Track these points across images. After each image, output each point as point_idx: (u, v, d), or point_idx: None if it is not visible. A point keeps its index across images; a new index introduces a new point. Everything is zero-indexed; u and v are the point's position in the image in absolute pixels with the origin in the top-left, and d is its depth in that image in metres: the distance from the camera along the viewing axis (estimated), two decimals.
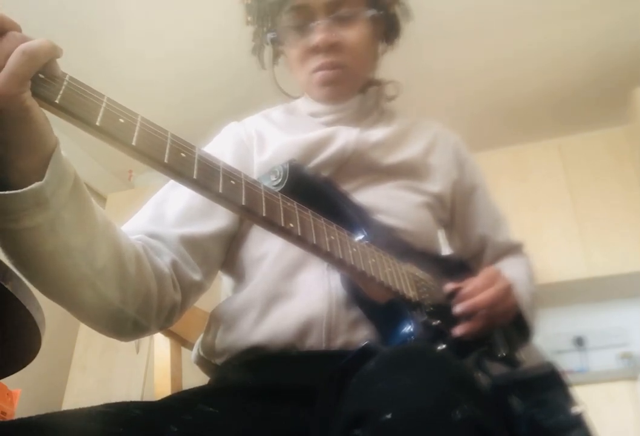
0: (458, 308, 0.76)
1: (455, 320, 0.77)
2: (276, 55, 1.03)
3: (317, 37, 0.89)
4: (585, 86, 2.96)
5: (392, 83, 1.02)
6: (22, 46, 0.47)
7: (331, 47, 0.89)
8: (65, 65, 0.52)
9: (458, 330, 0.75)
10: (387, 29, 1.00)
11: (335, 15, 0.90)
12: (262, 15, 0.96)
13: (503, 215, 1.04)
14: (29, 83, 0.48)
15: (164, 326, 0.77)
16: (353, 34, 0.91)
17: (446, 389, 0.47)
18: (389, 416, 0.45)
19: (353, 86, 0.96)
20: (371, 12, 0.92)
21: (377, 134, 0.93)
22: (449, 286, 0.80)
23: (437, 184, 0.93)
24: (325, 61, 0.90)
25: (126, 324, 0.69)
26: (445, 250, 0.98)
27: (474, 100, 3.04)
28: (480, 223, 1.00)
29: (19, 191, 0.50)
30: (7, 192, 0.50)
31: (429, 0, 2.34)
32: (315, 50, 0.90)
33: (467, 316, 0.76)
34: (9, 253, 0.56)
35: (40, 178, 0.51)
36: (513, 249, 1.02)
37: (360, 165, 0.89)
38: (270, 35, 0.97)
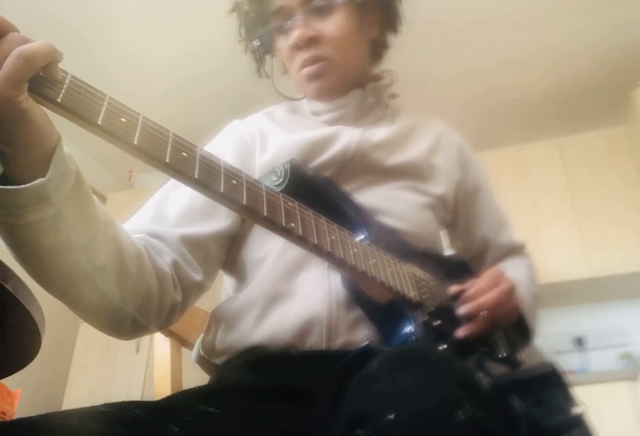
0: (462, 310, 0.76)
1: (456, 320, 0.76)
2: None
3: (293, 35, 0.89)
4: (585, 86, 2.96)
5: (386, 72, 1.00)
6: (19, 49, 0.46)
7: (309, 42, 0.89)
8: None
9: (461, 332, 0.74)
10: (382, 13, 0.97)
11: (309, 7, 0.89)
12: (247, 27, 0.97)
13: (506, 216, 1.04)
14: (25, 86, 0.47)
15: (164, 326, 0.77)
16: (330, 24, 0.90)
17: (448, 389, 0.47)
18: (391, 416, 0.45)
19: (343, 76, 0.93)
20: None
21: (379, 133, 0.92)
22: (453, 288, 0.80)
23: (440, 186, 0.93)
24: (307, 56, 0.90)
25: (125, 322, 0.69)
26: (448, 251, 0.97)
27: (476, 101, 3.04)
28: (483, 224, 1.00)
29: (21, 186, 0.50)
30: (10, 187, 0.50)
31: (430, 1, 2.35)
32: (295, 48, 0.90)
33: (470, 317, 0.76)
34: (11, 247, 0.56)
35: (43, 174, 0.51)
36: (515, 250, 1.02)
37: (363, 165, 0.88)
38: (255, 43, 0.97)
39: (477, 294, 0.77)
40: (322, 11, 0.90)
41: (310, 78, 0.91)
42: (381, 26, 0.99)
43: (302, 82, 0.93)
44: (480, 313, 0.76)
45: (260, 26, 0.95)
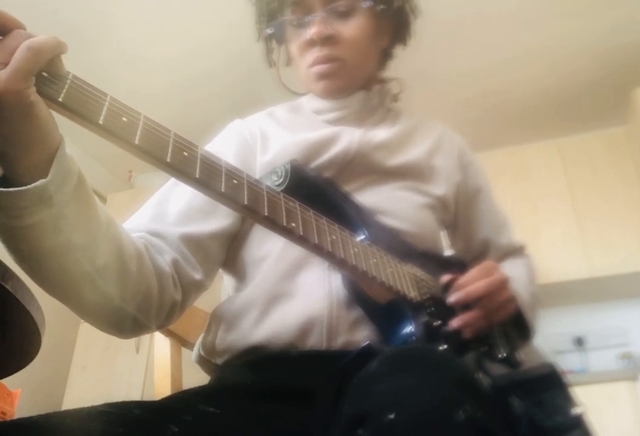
0: (452, 298, 0.76)
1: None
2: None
3: (312, 30, 0.88)
4: (585, 86, 2.96)
5: (395, 80, 1.01)
6: (27, 42, 0.47)
7: (326, 40, 0.89)
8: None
9: (455, 322, 0.74)
10: (396, 25, 0.98)
11: (331, 7, 0.89)
12: (264, 14, 0.96)
13: (506, 217, 1.04)
14: (33, 79, 0.48)
15: (164, 325, 0.77)
16: (350, 27, 0.90)
17: (448, 390, 0.47)
18: (391, 416, 0.45)
19: (351, 80, 0.94)
20: (368, 4, 0.91)
21: (380, 134, 0.92)
22: (445, 278, 0.80)
23: (440, 187, 0.93)
24: (320, 55, 0.89)
25: (126, 321, 0.69)
26: (448, 251, 0.97)
27: (474, 100, 3.04)
28: (484, 226, 1.00)
29: (22, 188, 0.50)
30: (11, 189, 0.50)
31: (430, 1, 2.34)
32: (310, 44, 0.90)
33: (462, 307, 0.76)
34: (11, 249, 0.56)
35: (45, 175, 0.51)
36: (515, 251, 1.02)
37: (364, 166, 0.88)
38: (268, 31, 0.96)
39: (467, 283, 0.77)
40: (344, 13, 0.90)
41: (320, 77, 0.91)
42: (392, 36, 1.00)
43: (311, 79, 0.93)
44: (473, 302, 0.76)
45: (278, 15, 0.94)
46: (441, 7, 2.43)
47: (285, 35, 0.96)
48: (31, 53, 0.47)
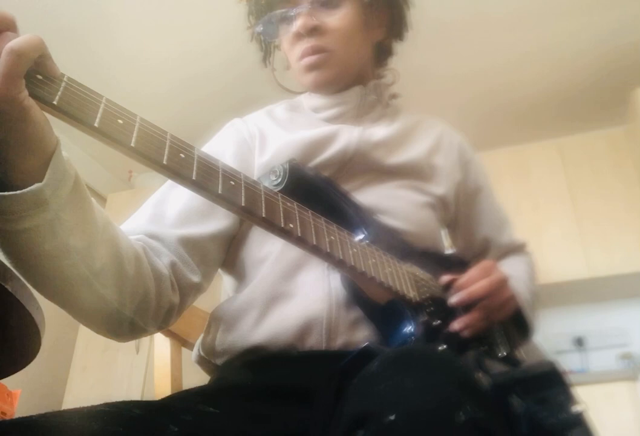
0: (453, 299, 0.76)
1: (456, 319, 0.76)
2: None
3: (297, 22, 0.88)
4: (585, 86, 2.96)
5: (389, 70, 1.00)
6: (10, 44, 0.46)
7: (312, 32, 0.88)
8: (63, 70, 0.51)
9: (456, 324, 0.74)
10: (389, 17, 0.97)
11: None
12: (253, 13, 0.97)
13: (507, 216, 1.04)
14: (23, 83, 0.47)
15: (161, 327, 0.77)
16: (336, 17, 0.90)
17: (449, 390, 0.47)
18: (392, 417, 0.45)
19: (341, 71, 0.93)
20: None
21: (380, 133, 0.92)
22: (445, 278, 0.80)
23: (441, 186, 0.93)
24: (307, 46, 0.89)
25: (123, 324, 0.69)
26: (449, 250, 0.97)
27: (474, 100, 3.04)
28: (484, 224, 1.00)
29: (18, 192, 0.50)
30: (6, 193, 0.50)
31: (431, 1, 2.34)
32: (297, 36, 0.90)
33: (463, 308, 0.76)
34: (7, 253, 0.55)
35: (40, 179, 0.51)
36: (516, 249, 1.02)
37: (363, 165, 0.88)
38: (257, 29, 0.96)
39: (467, 283, 0.77)
40: (329, 4, 0.90)
41: (308, 68, 0.91)
42: (387, 30, 0.99)
43: (300, 72, 0.93)
44: (474, 303, 0.76)
45: (267, 14, 0.94)
46: (442, 7, 2.43)
47: (277, 34, 0.96)
48: (15, 55, 0.46)
